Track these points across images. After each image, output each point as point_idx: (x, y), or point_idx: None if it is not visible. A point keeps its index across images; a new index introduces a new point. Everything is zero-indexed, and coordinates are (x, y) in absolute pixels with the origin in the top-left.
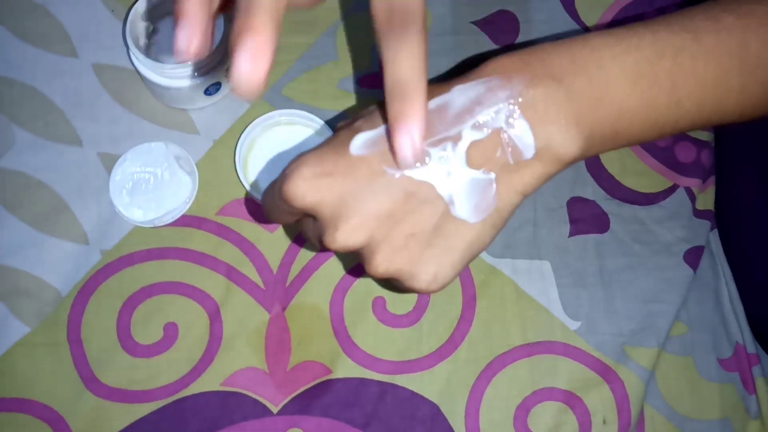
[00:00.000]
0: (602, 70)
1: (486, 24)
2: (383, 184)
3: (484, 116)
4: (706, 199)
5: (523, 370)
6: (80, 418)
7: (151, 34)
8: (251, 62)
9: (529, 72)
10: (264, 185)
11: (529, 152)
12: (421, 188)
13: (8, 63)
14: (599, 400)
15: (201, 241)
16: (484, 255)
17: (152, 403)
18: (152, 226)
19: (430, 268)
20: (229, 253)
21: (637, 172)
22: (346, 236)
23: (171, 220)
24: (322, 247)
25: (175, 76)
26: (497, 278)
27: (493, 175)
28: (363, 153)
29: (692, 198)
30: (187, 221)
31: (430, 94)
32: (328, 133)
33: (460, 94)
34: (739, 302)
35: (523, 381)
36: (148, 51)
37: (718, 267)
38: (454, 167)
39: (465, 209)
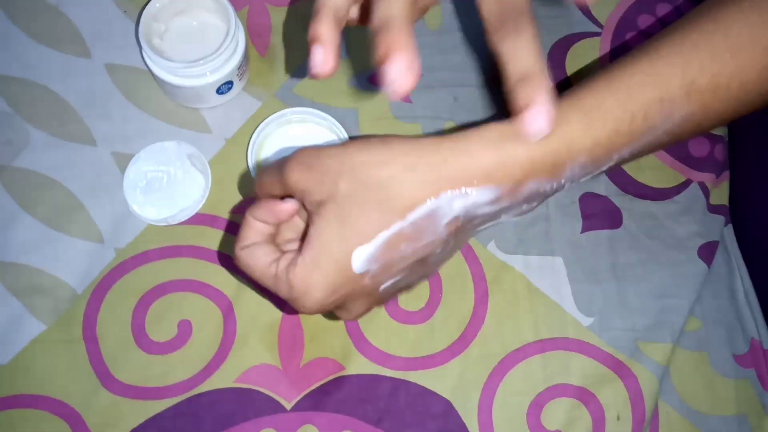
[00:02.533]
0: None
1: None
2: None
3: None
4: (720, 194)
5: (535, 366)
6: (96, 415)
7: (163, 34)
8: (404, 77)
9: (514, 184)
10: None
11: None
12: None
13: (22, 63)
14: (613, 396)
15: (214, 238)
16: (496, 251)
17: (167, 400)
18: (166, 224)
19: (402, 290)
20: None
21: (650, 168)
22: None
23: (184, 219)
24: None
25: (187, 75)
26: (509, 274)
27: None
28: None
29: (706, 193)
30: (200, 219)
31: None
32: (339, 130)
33: (450, 202)
34: (755, 297)
35: (536, 377)
36: (161, 51)
37: (732, 262)
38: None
39: None
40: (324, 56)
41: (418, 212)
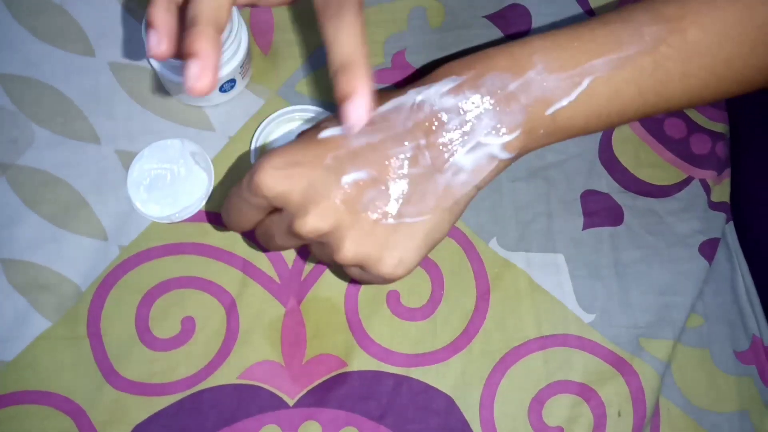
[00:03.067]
0: (540, 71)
1: (498, 18)
2: (353, 170)
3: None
4: (722, 191)
5: (537, 362)
6: (100, 411)
7: None
8: (200, 78)
9: (474, 72)
10: None
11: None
12: (384, 177)
13: (26, 62)
14: (614, 392)
15: (217, 236)
16: (497, 248)
17: (170, 396)
18: (169, 221)
19: (395, 253)
20: (244, 248)
21: (652, 165)
22: (315, 220)
23: (188, 216)
24: (288, 240)
25: None
26: (511, 271)
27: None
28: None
29: (707, 190)
30: (203, 217)
31: (387, 96)
32: None
33: (414, 95)
34: (756, 294)
35: (537, 373)
36: None
37: (734, 259)
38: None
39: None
40: (157, 40)
41: (385, 105)
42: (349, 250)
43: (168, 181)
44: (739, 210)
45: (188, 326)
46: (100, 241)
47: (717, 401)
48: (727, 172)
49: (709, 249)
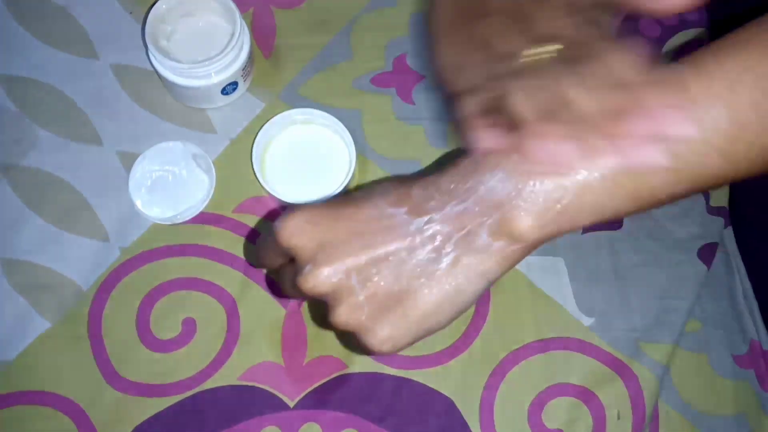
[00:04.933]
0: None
1: None
2: (360, 245)
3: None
4: (720, 196)
5: (537, 365)
6: (101, 411)
7: (169, 35)
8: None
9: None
10: (281, 183)
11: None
12: (393, 254)
13: (30, 64)
14: (613, 395)
15: (218, 238)
16: None
17: (171, 397)
18: (170, 223)
19: (385, 329)
20: (245, 250)
21: None
22: (315, 280)
23: (189, 218)
24: (294, 291)
25: (193, 76)
26: (511, 274)
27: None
28: None
29: (706, 195)
30: (204, 218)
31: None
32: (343, 131)
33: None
34: (754, 299)
35: (537, 376)
36: (167, 52)
37: (732, 263)
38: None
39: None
40: (489, 142)
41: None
42: (341, 316)
43: (169, 183)
44: (737, 215)
45: (189, 327)
46: (102, 242)
47: (715, 405)
48: None
49: (707, 253)
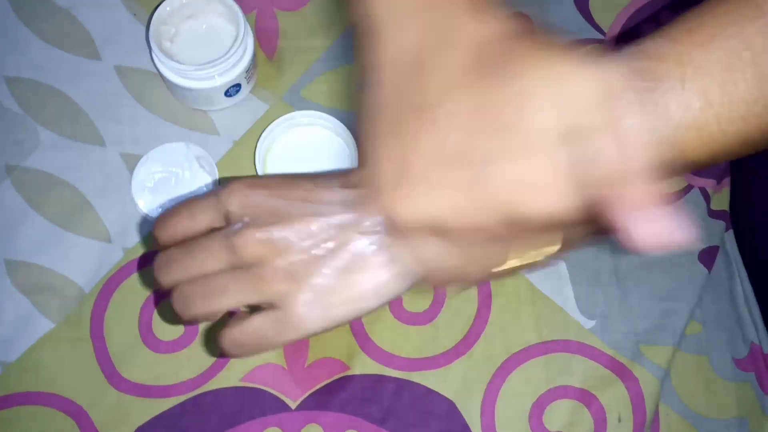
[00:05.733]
0: None
1: None
2: (299, 214)
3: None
4: (721, 200)
5: (538, 367)
6: (103, 412)
7: (173, 37)
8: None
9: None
10: None
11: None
12: (332, 227)
13: (33, 65)
14: (614, 398)
15: None
16: None
17: (173, 398)
18: None
19: (307, 295)
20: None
21: None
22: (249, 237)
23: None
24: (216, 254)
25: (196, 77)
26: (513, 277)
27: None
28: None
29: (707, 198)
30: None
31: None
32: (346, 134)
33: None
34: (755, 302)
35: (538, 379)
36: (170, 53)
37: (732, 267)
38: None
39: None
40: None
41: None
42: (265, 276)
43: (172, 185)
44: (738, 218)
45: (191, 328)
46: (104, 243)
47: (716, 408)
48: (727, 180)
49: (708, 257)
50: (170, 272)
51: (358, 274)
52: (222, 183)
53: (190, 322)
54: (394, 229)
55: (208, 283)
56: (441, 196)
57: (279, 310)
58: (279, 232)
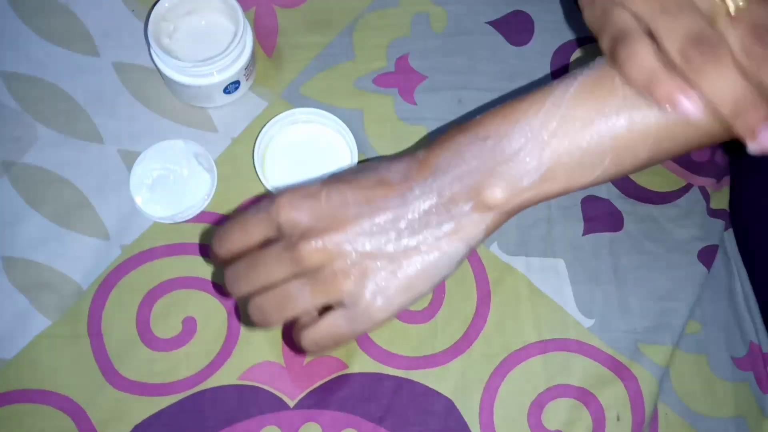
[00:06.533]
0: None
1: (501, 24)
2: (350, 217)
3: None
4: (720, 198)
5: (537, 366)
6: (100, 410)
7: (171, 34)
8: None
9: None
10: (282, 182)
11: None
12: (379, 225)
13: (31, 61)
14: (613, 396)
15: None
16: (498, 252)
17: (171, 396)
18: (171, 222)
19: (370, 290)
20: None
21: (651, 171)
22: (310, 247)
23: (190, 217)
24: (279, 264)
25: (195, 74)
26: (511, 275)
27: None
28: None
29: (706, 197)
30: (205, 217)
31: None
32: (345, 131)
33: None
34: (754, 301)
35: (537, 377)
36: (169, 50)
37: (732, 266)
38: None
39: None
40: None
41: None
42: (328, 283)
43: (171, 182)
44: (737, 217)
45: (189, 326)
46: (102, 240)
47: (714, 407)
48: (726, 179)
49: (707, 256)
50: (240, 287)
51: (409, 262)
52: (272, 193)
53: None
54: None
55: (277, 293)
56: None
57: (347, 308)
58: (331, 239)
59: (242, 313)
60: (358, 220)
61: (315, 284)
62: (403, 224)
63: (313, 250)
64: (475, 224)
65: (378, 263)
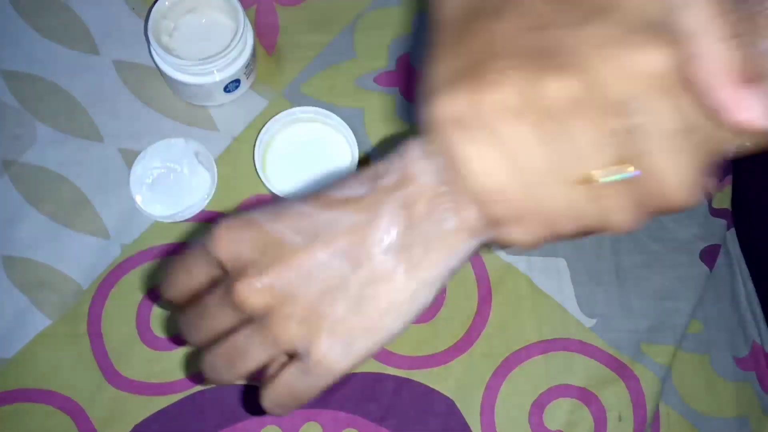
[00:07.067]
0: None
1: None
2: (301, 246)
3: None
4: (723, 198)
5: (538, 366)
6: (100, 410)
7: (172, 32)
8: None
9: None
10: (283, 181)
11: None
12: (334, 255)
13: (31, 59)
14: (615, 396)
15: None
16: (499, 252)
17: (171, 396)
18: (172, 221)
19: (325, 341)
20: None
21: None
22: (251, 287)
23: (190, 216)
24: (221, 313)
25: (195, 73)
26: (513, 275)
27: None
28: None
29: (708, 197)
30: (206, 216)
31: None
32: (346, 129)
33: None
34: (757, 301)
35: (538, 377)
36: (169, 48)
37: (734, 266)
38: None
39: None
40: None
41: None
42: (278, 328)
43: (171, 181)
44: (739, 217)
45: None
46: (102, 239)
47: (716, 407)
48: (728, 179)
49: (709, 255)
50: (192, 336)
51: (374, 296)
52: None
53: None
54: (463, 160)
55: (226, 346)
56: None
57: (302, 360)
58: (278, 275)
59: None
60: (311, 249)
61: (263, 332)
62: (368, 249)
63: (254, 290)
64: (465, 245)
65: (336, 301)
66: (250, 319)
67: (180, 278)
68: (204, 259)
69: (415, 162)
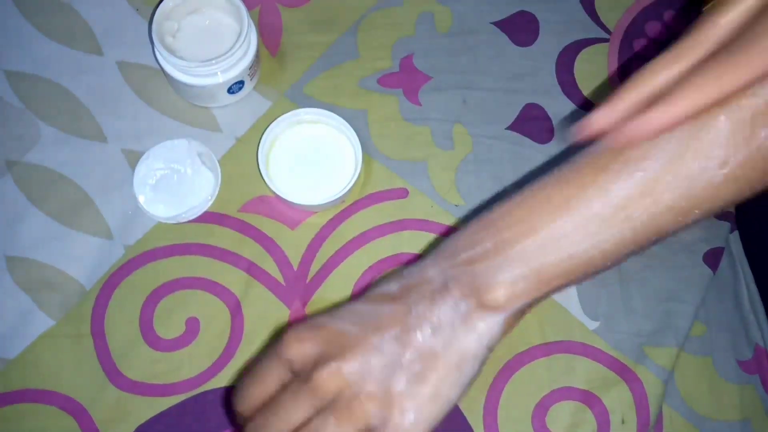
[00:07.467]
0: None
1: (506, 24)
2: (363, 336)
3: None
4: None
5: (541, 368)
6: (103, 410)
7: (176, 33)
8: None
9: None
10: (286, 182)
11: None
12: (391, 341)
13: (34, 60)
14: (618, 399)
15: (223, 237)
16: None
17: (174, 397)
18: (175, 221)
19: (408, 411)
20: (250, 250)
21: None
22: (326, 375)
23: (193, 216)
24: (297, 404)
25: (199, 74)
26: None
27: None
28: None
29: None
30: (209, 217)
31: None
32: (349, 131)
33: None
34: (760, 304)
35: (541, 380)
36: (173, 49)
37: (737, 268)
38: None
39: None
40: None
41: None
42: (356, 411)
43: (174, 181)
44: (743, 220)
45: (193, 327)
46: (106, 240)
47: (720, 409)
48: None
49: (712, 258)
50: None
51: (431, 369)
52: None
53: None
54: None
55: None
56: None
57: None
58: (346, 361)
59: None
60: (368, 337)
61: (338, 413)
62: (414, 332)
63: (327, 376)
64: (486, 323)
65: (396, 377)
66: (322, 406)
67: (255, 390)
68: (275, 364)
69: (428, 268)
